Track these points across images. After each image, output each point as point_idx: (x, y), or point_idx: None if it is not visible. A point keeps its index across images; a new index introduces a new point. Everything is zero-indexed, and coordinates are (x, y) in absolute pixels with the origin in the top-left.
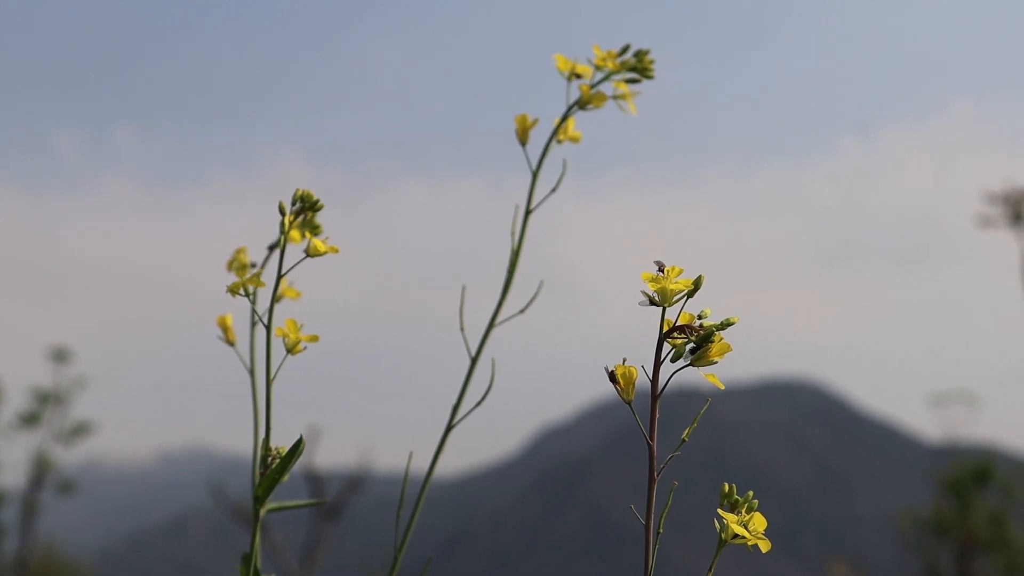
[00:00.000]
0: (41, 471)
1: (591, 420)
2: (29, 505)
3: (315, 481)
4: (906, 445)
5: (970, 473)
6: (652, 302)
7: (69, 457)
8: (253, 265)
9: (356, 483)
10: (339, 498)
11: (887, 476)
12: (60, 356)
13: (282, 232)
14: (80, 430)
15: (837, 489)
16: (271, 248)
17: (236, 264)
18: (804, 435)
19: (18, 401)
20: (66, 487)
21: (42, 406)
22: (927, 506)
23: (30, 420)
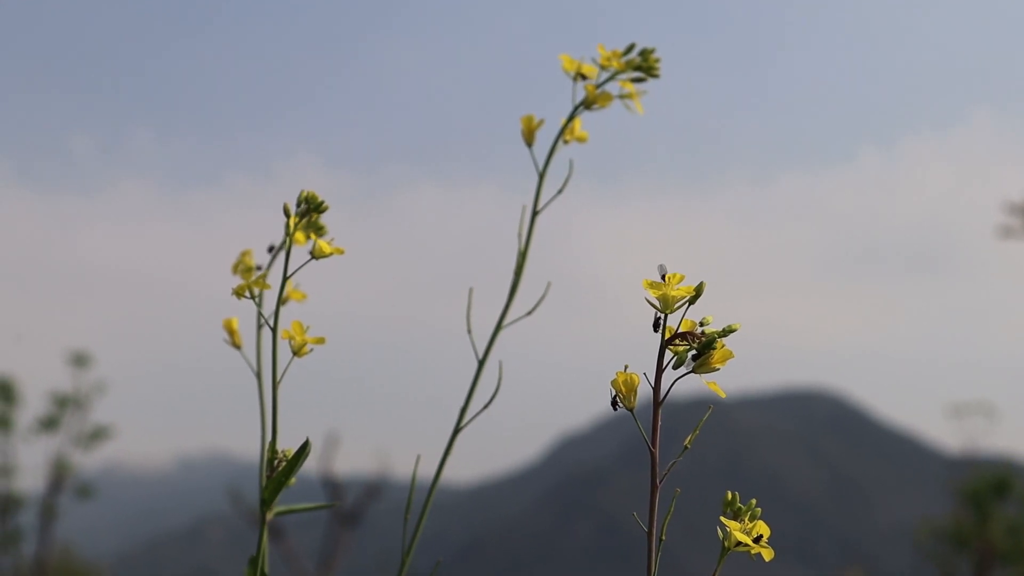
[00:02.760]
0: (60, 475)
1: (610, 429)
2: (47, 509)
3: (333, 487)
4: (924, 456)
5: (989, 484)
6: (657, 311)
7: (87, 461)
8: (258, 268)
9: (374, 490)
10: (357, 504)
11: (905, 486)
12: (79, 361)
13: (287, 234)
14: (98, 434)
15: (854, 499)
16: (271, 250)
17: (241, 267)
18: (821, 444)
19: (37, 405)
20: (84, 491)
21: (61, 410)
22: (945, 517)
23: (49, 424)
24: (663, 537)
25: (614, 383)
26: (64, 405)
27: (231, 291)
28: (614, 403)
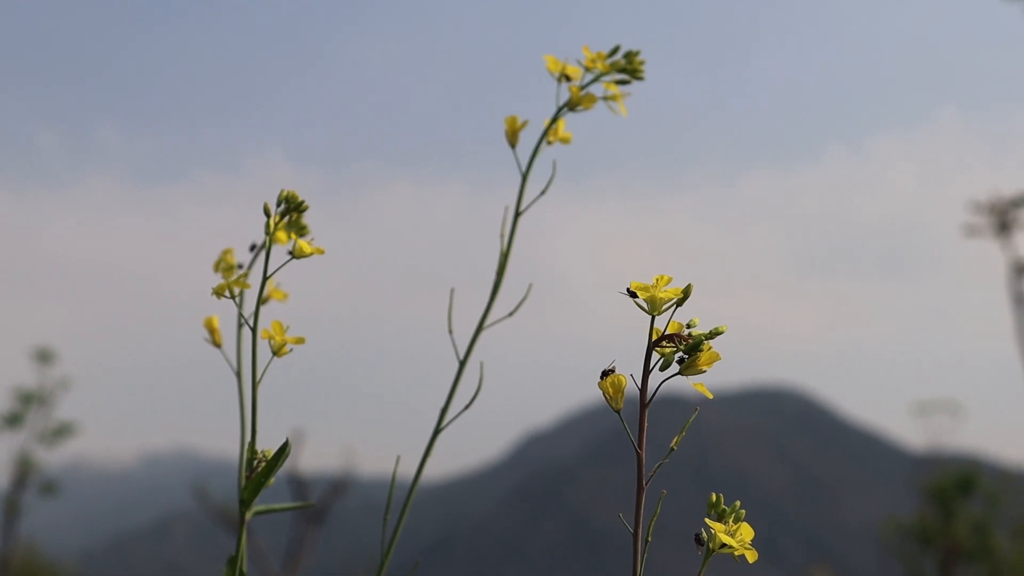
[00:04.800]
0: (24, 472)
1: (575, 426)
2: (11, 506)
3: (299, 484)
4: (889, 453)
5: (954, 482)
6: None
7: (52, 458)
8: (240, 266)
9: (340, 487)
10: (323, 502)
11: (870, 484)
12: (44, 357)
13: (268, 233)
14: (63, 431)
15: (820, 497)
16: (253, 249)
17: (223, 265)
18: (787, 442)
19: (1, 401)
20: (49, 488)
21: (25, 407)
22: (910, 514)
23: (13, 421)
24: (649, 539)
25: (601, 385)
26: (28, 401)
27: (212, 290)
28: (605, 375)
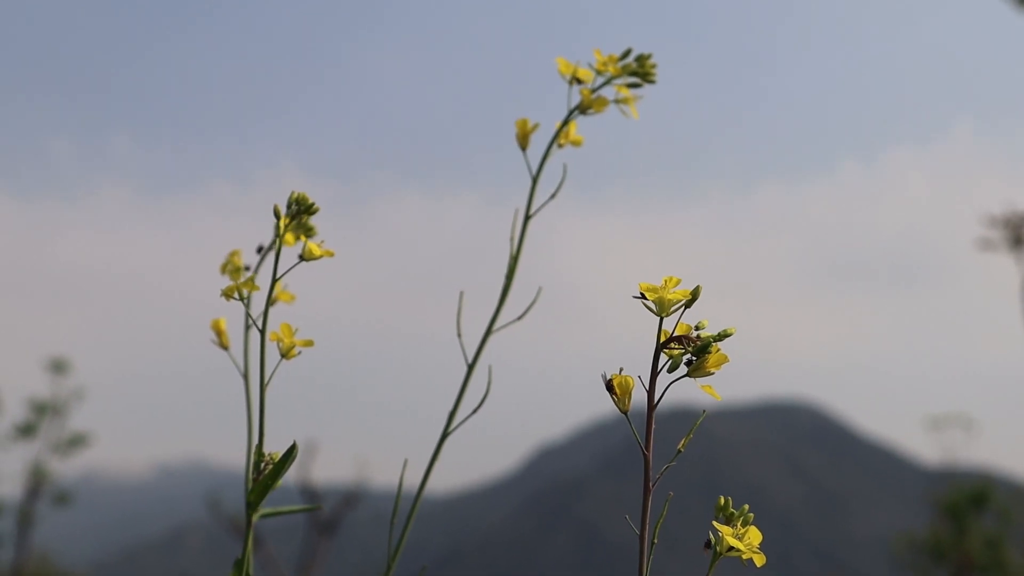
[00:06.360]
0: (37, 482)
1: (587, 440)
2: (25, 516)
3: (312, 495)
4: (903, 468)
5: (967, 497)
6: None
7: (65, 468)
8: (247, 268)
9: (352, 498)
10: (335, 513)
11: (883, 498)
12: (58, 367)
13: (277, 235)
14: (77, 441)
15: (833, 511)
16: (260, 251)
17: (229, 267)
18: (800, 456)
19: (15, 412)
20: (62, 498)
21: (39, 417)
22: (923, 529)
23: (27, 431)
24: (655, 540)
25: (609, 384)
26: (42, 412)
27: (220, 292)
28: (609, 387)
